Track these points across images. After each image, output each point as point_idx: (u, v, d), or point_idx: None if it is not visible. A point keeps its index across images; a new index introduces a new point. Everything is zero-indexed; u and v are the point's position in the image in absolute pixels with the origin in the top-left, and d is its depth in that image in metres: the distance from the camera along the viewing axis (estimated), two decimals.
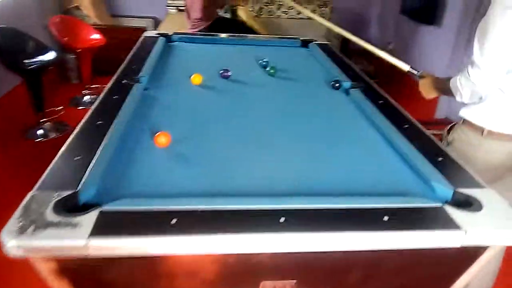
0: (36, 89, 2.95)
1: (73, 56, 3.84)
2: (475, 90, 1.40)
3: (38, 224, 0.84)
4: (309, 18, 4.50)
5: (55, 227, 0.84)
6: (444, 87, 1.57)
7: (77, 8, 4.14)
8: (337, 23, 2.11)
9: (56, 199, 0.92)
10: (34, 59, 2.88)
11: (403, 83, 3.15)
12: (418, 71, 1.71)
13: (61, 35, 3.39)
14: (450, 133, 1.60)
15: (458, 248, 0.92)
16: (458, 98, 1.48)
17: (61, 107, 3.39)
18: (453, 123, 1.62)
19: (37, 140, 3.08)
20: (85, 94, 3.72)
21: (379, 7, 5.25)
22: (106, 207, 0.91)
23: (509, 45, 1.30)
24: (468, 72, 1.39)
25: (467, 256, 0.98)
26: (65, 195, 0.94)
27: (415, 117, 1.61)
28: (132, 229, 0.86)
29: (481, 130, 1.46)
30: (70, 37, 3.49)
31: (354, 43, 2.04)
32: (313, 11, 4.50)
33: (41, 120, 3.12)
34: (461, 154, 1.40)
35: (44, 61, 2.94)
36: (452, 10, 3.67)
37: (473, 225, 0.92)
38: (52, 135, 3.15)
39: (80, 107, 3.65)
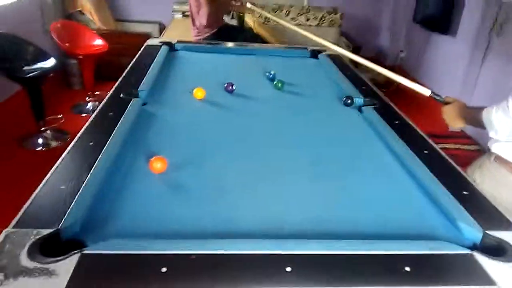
0: (36, 97, 2.86)
1: (76, 62, 3.75)
2: None
3: (9, 271, 0.75)
4: (318, 25, 4.41)
5: (28, 276, 0.74)
6: (474, 117, 1.35)
7: (81, 12, 4.06)
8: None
9: (33, 240, 0.82)
10: (34, 67, 2.79)
11: (414, 92, 3.03)
12: (440, 97, 1.50)
13: (63, 40, 3.31)
14: (477, 169, 1.39)
15: None
16: (492, 135, 1.28)
17: (61, 115, 3.31)
18: (479, 160, 1.43)
19: (38, 149, 2.99)
20: (88, 101, 3.63)
21: (390, 14, 5.12)
22: (88, 250, 0.80)
23: None
24: (508, 106, 1.19)
25: None
26: (43, 235, 0.83)
27: (426, 129, 1.45)
28: (115, 280, 0.75)
29: None
30: (72, 42, 3.41)
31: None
32: (322, 18, 4.39)
33: (41, 129, 3.03)
34: (493, 197, 1.15)
35: (43, 68, 2.85)
36: (468, 19, 3.53)
37: (509, 279, 0.80)
38: (54, 144, 3.06)
39: (83, 114, 3.56)
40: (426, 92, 1.51)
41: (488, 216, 1.00)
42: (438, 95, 1.50)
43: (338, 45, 2.88)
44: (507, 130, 1.23)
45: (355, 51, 4.32)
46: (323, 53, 2.42)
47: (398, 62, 4.77)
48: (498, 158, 1.32)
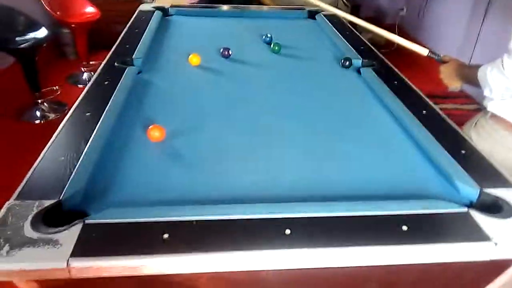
0: (30, 69, 2.82)
1: (68, 31, 3.67)
2: (510, 86, 1.19)
3: (14, 242, 0.76)
4: None
5: (32, 246, 0.76)
6: (470, 76, 1.35)
7: None
8: None
9: (36, 211, 0.83)
10: (26, 37, 2.73)
11: (413, 53, 2.96)
12: (438, 55, 1.50)
13: (54, 9, 3.21)
14: (473, 128, 1.39)
15: (485, 260, 0.82)
16: (486, 93, 1.27)
17: (57, 87, 3.27)
18: (475, 118, 1.42)
19: (36, 122, 2.98)
20: (83, 71, 3.58)
21: None
22: (90, 220, 0.82)
23: None
24: (502, 64, 1.17)
25: (494, 267, 0.87)
26: (46, 206, 0.85)
27: (427, 89, 1.46)
28: (117, 247, 0.77)
29: None
30: (63, 11, 3.31)
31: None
32: None
33: (38, 101, 3.00)
34: (489, 155, 1.15)
35: (36, 39, 2.79)
36: None
37: (504, 236, 0.82)
38: (51, 116, 3.05)
39: (79, 85, 3.53)
40: (423, 51, 1.51)
41: (485, 174, 1.00)
42: (436, 54, 1.50)
43: (336, 6, 2.81)
44: (501, 88, 1.22)
45: (354, 10, 4.21)
46: (321, 13, 2.36)
47: (398, 21, 4.66)
48: (494, 117, 1.32)
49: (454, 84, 1.47)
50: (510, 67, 1.16)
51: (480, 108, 1.45)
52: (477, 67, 1.32)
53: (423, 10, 4.23)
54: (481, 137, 1.35)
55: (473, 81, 1.33)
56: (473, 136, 1.37)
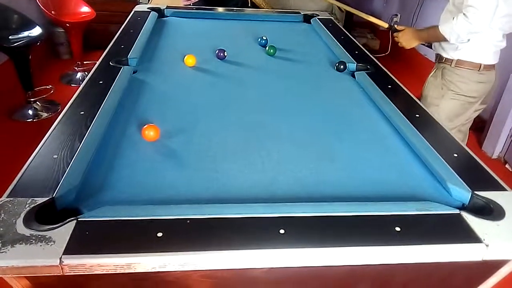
0: (23, 67, 2.79)
1: (63, 31, 3.64)
2: (472, 29, 1.59)
3: (6, 239, 0.75)
4: None
5: (25, 243, 0.75)
6: (430, 34, 1.80)
7: None
8: None
9: (29, 208, 0.83)
10: (19, 35, 2.71)
11: (409, 57, 2.97)
12: (393, 26, 1.96)
13: (48, 8, 3.19)
14: (444, 78, 1.80)
15: (477, 261, 0.83)
16: (453, 40, 1.67)
17: (50, 86, 3.24)
18: (434, 74, 1.86)
19: (28, 120, 2.95)
20: (77, 71, 3.56)
21: None
22: (84, 217, 0.81)
23: None
24: (465, 15, 1.56)
25: (486, 268, 0.89)
26: (39, 203, 0.84)
27: (419, 93, 1.64)
28: (111, 245, 0.76)
29: (478, 66, 1.73)
30: (58, 10, 3.29)
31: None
32: None
33: (30, 100, 2.98)
34: (459, 91, 1.76)
35: (29, 37, 2.78)
36: None
37: (496, 237, 0.83)
38: (44, 115, 3.02)
39: (73, 85, 3.50)
40: (384, 24, 2.03)
41: (477, 177, 1.02)
42: (392, 26, 1.99)
43: (331, 12, 2.86)
44: (465, 33, 1.62)
45: (348, 16, 4.24)
46: (316, 17, 2.38)
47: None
48: (461, 62, 1.75)
49: (412, 45, 1.89)
50: (472, 16, 1.55)
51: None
52: (432, 27, 1.78)
53: (416, 16, 4.27)
54: (452, 80, 1.78)
55: (433, 37, 1.80)
56: (448, 85, 1.79)
